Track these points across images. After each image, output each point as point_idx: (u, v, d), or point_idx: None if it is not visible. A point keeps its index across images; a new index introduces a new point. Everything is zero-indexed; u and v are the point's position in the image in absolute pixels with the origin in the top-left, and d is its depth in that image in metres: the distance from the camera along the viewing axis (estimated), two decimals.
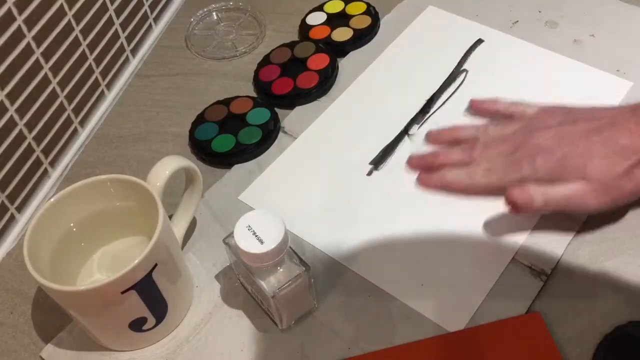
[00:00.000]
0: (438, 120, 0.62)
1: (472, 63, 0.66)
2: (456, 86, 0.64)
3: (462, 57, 0.67)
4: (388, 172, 0.59)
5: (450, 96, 0.64)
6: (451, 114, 0.62)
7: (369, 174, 0.59)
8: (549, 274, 0.50)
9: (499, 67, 0.65)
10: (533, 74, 0.64)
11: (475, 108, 0.59)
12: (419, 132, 0.61)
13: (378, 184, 0.58)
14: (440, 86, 0.65)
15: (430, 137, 0.58)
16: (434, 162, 0.55)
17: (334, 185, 0.59)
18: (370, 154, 0.60)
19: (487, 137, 0.54)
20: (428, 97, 0.64)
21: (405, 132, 0.61)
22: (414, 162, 0.57)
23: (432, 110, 0.63)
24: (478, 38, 0.68)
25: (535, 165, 0.50)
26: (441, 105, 0.63)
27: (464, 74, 0.65)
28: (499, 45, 0.67)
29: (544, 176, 0.50)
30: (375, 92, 0.65)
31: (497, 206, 0.54)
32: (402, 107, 0.63)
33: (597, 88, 0.62)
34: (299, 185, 0.59)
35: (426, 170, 0.55)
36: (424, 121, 0.62)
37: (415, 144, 0.60)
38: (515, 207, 0.50)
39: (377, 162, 0.60)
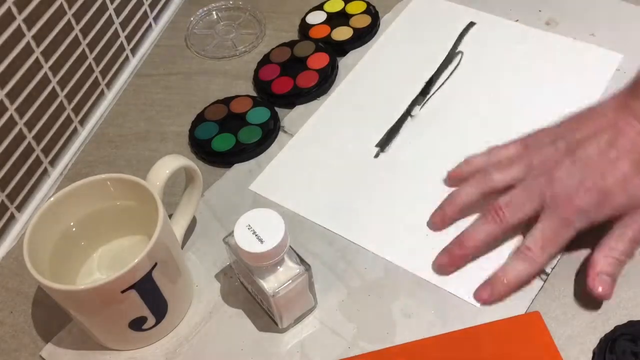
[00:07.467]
0: (438, 100, 0.63)
1: (467, 45, 0.68)
2: (453, 68, 0.66)
3: (456, 40, 0.68)
4: (394, 153, 0.60)
5: (448, 77, 0.65)
6: (450, 95, 0.64)
7: (376, 156, 0.60)
8: (549, 274, 0.50)
9: (493, 47, 0.67)
10: (526, 53, 0.66)
11: (453, 178, 0.55)
12: (421, 113, 0.63)
13: (386, 164, 0.59)
14: (438, 68, 0.66)
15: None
16: (464, 254, 0.50)
17: (344, 171, 0.59)
18: (375, 137, 0.61)
19: (505, 198, 0.49)
20: (426, 80, 0.65)
21: (407, 113, 0.63)
22: (445, 262, 0.51)
23: (431, 92, 0.64)
24: (470, 21, 0.69)
25: (587, 214, 0.48)
26: (440, 87, 0.64)
27: (459, 55, 0.66)
28: (492, 27, 0.69)
29: (596, 218, 0.48)
30: (375, 80, 0.66)
31: None
32: (402, 91, 0.65)
33: (589, 62, 0.64)
34: (309, 173, 0.60)
35: (453, 264, 0.51)
36: (425, 102, 0.63)
37: (417, 124, 0.62)
38: (604, 295, 0.47)
39: (383, 143, 0.61)
